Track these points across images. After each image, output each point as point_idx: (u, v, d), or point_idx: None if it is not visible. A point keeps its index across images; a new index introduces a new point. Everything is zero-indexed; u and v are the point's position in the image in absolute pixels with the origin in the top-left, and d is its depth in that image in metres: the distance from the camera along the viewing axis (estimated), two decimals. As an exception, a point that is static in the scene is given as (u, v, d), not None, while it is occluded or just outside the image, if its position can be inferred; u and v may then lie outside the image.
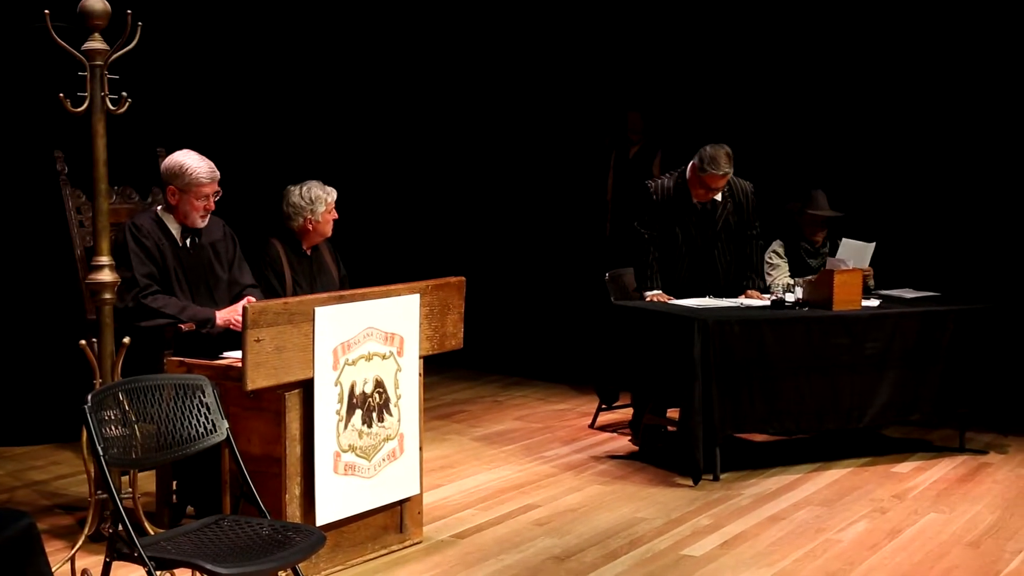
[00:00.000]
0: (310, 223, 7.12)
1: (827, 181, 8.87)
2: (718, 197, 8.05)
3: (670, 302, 7.81)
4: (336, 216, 7.24)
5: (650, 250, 8.04)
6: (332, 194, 7.19)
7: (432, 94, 11.61)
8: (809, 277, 7.92)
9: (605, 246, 10.59)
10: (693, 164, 7.93)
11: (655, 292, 8.00)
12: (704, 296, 8.03)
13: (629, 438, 8.41)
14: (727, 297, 8.05)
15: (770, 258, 8.48)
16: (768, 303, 7.79)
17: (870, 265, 8.38)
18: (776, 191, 9.37)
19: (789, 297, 7.75)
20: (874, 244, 8.35)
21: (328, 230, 7.25)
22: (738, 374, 7.26)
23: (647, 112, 10.69)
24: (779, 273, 8.41)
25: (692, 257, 8.09)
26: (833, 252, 8.47)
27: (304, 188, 7.12)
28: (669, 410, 8.14)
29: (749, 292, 8.12)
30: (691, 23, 10.71)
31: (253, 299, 6.30)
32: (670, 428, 8.13)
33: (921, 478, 7.45)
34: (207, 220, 6.45)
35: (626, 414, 8.64)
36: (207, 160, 6.37)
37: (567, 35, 11.31)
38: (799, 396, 7.43)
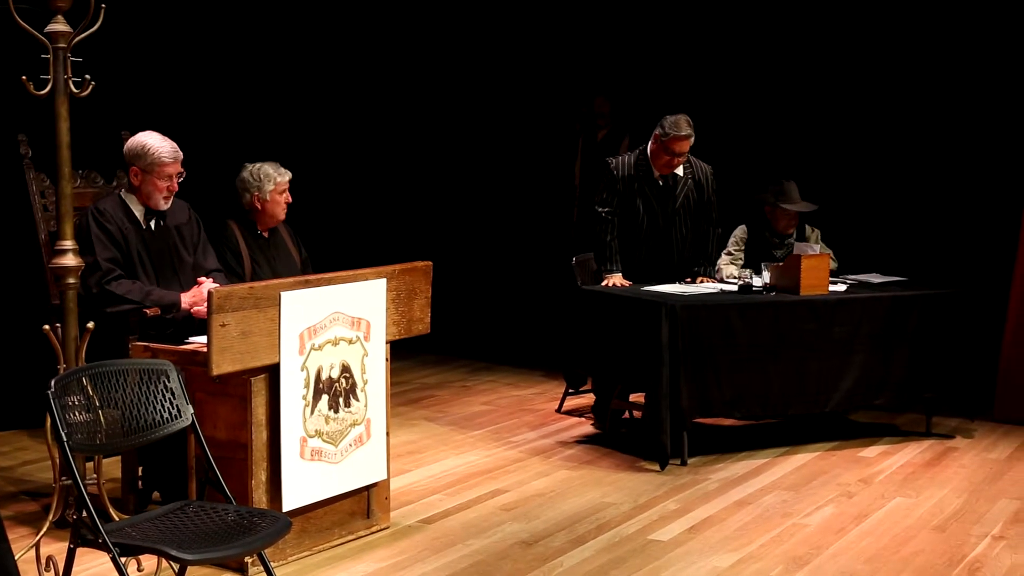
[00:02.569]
0: (258, 201, 7.12)
1: (795, 167, 8.89)
2: (679, 171, 8.11)
3: (640, 288, 7.80)
4: (289, 199, 7.25)
5: (609, 230, 8.07)
6: (285, 175, 7.17)
7: (399, 79, 11.58)
8: (776, 264, 7.94)
9: (573, 231, 10.59)
10: (655, 135, 8.00)
11: (615, 275, 8.02)
12: (662, 273, 8.10)
13: (593, 422, 8.43)
14: (683, 277, 8.14)
15: (730, 245, 8.52)
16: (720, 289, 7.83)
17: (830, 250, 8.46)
18: (743, 176, 9.39)
19: (756, 282, 7.76)
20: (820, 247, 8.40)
21: (279, 212, 7.23)
22: (705, 359, 7.26)
23: (613, 97, 10.68)
24: (730, 261, 8.46)
25: (652, 232, 8.11)
26: (800, 238, 8.48)
27: (256, 166, 7.15)
28: (632, 395, 8.17)
29: (701, 279, 8.16)
30: (658, 7, 10.70)
31: (215, 283, 6.26)
32: (636, 413, 8.15)
33: (888, 462, 7.47)
34: (170, 202, 6.41)
35: (593, 399, 8.62)
36: (170, 141, 6.34)
37: (534, 20, 11.29)
38: (766, 381, 7.44)
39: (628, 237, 8.10)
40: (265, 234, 7.25)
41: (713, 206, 8.24)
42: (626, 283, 7.96)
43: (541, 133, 11.34)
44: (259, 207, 7.16)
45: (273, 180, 7.12)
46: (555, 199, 11.01)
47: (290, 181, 7.26)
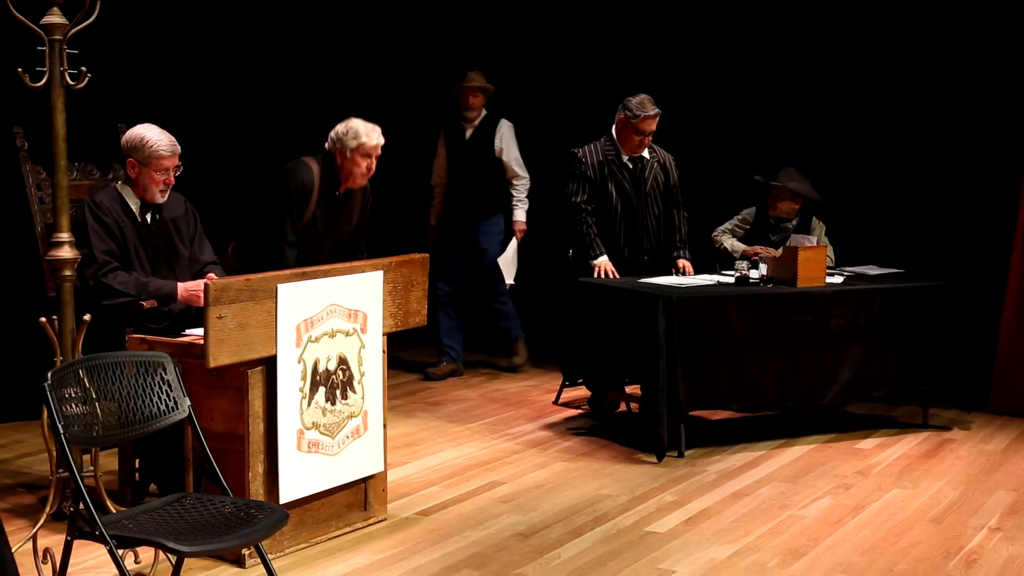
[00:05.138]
0: (339, 155, 7.06)
1: (792, 159, 8.88)
2: (645, 155, 8.24)
3: (637, 280, 7.81)
4: (372, 168, 7.15)
5: (586, 219, 8.15)
6: (374, 139, 7.07)
7: (405, 69, 11.55)
8: (763, 251, 8.02)
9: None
10: (619, 119, 8.13)
11: (602, 259, 8.08)
12: (640, 256, 8.25)
13: (587, 411, 8.45)
14: (661, 264, 8.30)
15: (734, 219, 8.83)
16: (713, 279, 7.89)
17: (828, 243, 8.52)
18: (741, 168, 9.39)
19: (753, 274, 7.77)
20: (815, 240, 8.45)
21: (357, 175, 7.14)
22: (702, 351, 7.26)
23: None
24: (730, 234, 8.78)
25: (627, 215, 8.20)
26: (803, 229, 8.52)
27: (352, 121, 7.09)
28: (629, 387, 8.19)
29: (680, 262, 8.30)
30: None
31: (215, 276, 6.25)
32: (633, 405, 8.15)
33: (885, 454, 7.47)
34: (167, 195, 6.40)
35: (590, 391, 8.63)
36: (168, 134, 6.33)
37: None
38: (763, 372, 7.44)
39: (604, 222, 8.16)
40: (341, 191, 7.21)
41: (678, 190, 8.41)
42: (613, 270, 8.03)
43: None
44: (339, 161, 7.10)
45: (357, 139, 7.03)
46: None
47: (380, 148, 7.16)
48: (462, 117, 9.57)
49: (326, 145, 7.13)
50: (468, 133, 9.53)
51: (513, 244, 9.57)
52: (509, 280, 9.35)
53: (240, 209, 8.32)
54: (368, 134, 7.06)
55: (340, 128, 7.10)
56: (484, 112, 9.56)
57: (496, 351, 10.22)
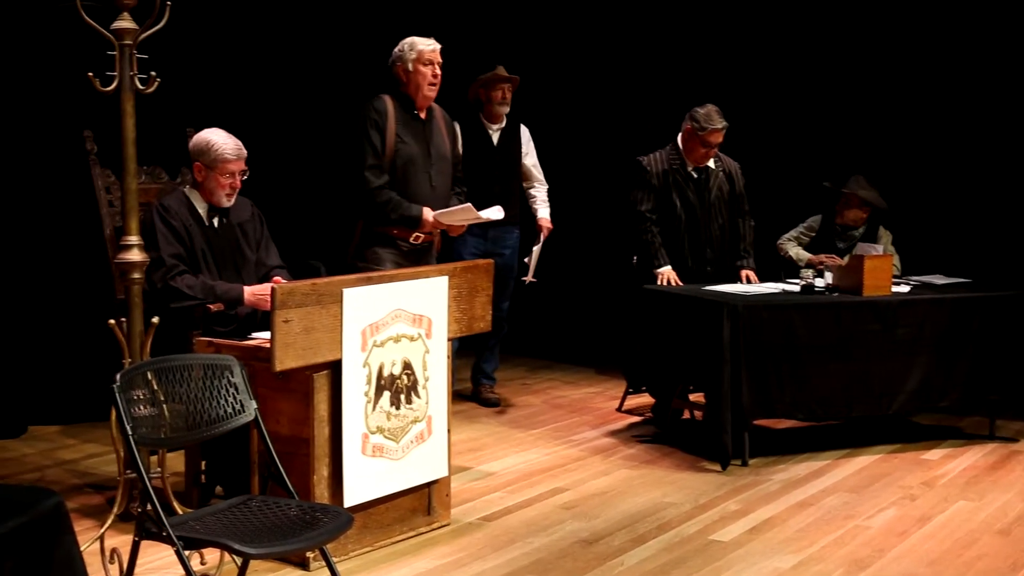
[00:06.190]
0: (403, 72, 7.09)
1: (859, 167, 8.84)
2: (711, 164, 8.22)
3: (701, 288, 7.79)
4: (437, 73, 7.16)
5: (651, 228, 8.15)
6: (431, 45, 7.10)
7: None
8: (828, 259, 7.99)
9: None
10: (686, 128, 8.13)
11: (665, 269, 8.09)
12: (703, 265, 8.23)
13: (650, 419, 8.42)
14: (725, 272, 8.28)
15: (800, 227, 8.83)
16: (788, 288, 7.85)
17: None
18: (806, 174, 9.35)
19: (819, 282, 7.73)
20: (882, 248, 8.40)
21: (426, 84, 7.15)
22: (767, 359, 7.23)
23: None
24: (795, 242, 8.78)
25: (691, 225, 8.20)
26: (870, 238, 8.49)
27: (411, 37, 7.13)
28: (693, 394, 8.17)
29: (743, 272, 8.27)
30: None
31: (281, 280, 6.28)
32: (696, 413, 8.13)
33: (951, 465, 7.41)
34: (233, 200, 6.44)
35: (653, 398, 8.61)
36: (234, 138, 6.38)
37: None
38: (828, 382, 7.40)
39: (668, 231, 8.16)
40: (422, 115, 7.22)
41: (744, 198, 8.38)
42: (677, 279, 8.00)
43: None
44: (405, 79, 7.12)
45: (416, 48, 7.06)
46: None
47: (440, 53, 7.18)
48: (487, 117, 8.79)
49: (394, 74, 7.24)
50: (496, 138, 8.83)
51: (538, 243, 9.01)
52: (531, 277, 9.00)
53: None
54: (424, 41, 7.16)
55: (395, 50, 7.19)
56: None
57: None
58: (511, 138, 8.90)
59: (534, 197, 9.07)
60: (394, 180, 7.14)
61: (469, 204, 7.16)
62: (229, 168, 6.33)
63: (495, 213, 7.21)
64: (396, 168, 7.16)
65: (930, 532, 6.15)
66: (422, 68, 7.13)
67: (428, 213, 7.09)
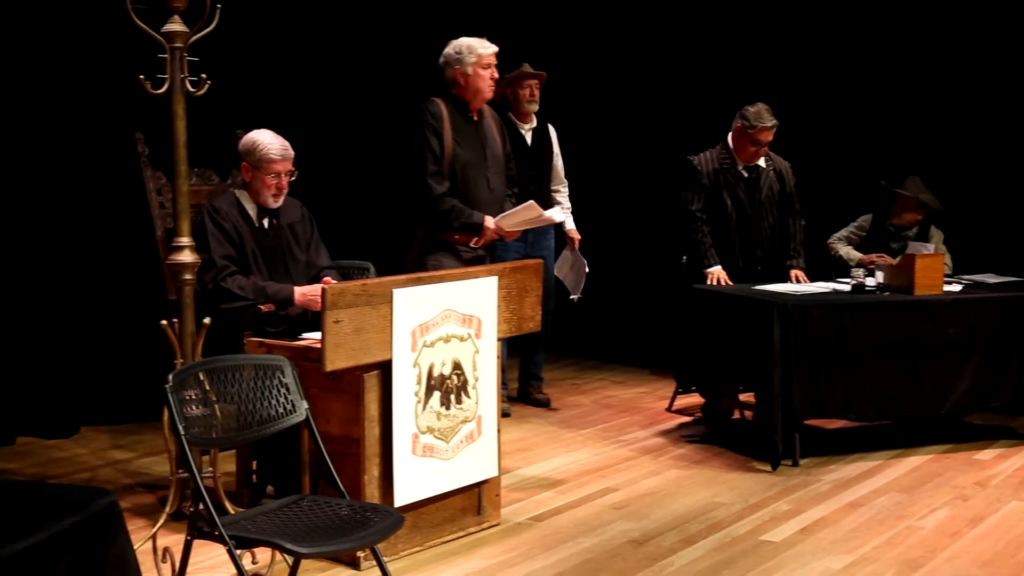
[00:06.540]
0: (461, 76, 7.05)
1: (912, 165, 8.80)
2: (761, 163, 8.21)
3: (751, 287, 7.78)
4: (496, 75, 7.16)
5: (701, 227, 8.13)
6: (489, 48, 7.08)
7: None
8: (879, 258, 7.96)
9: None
10: (736, 127, 8.12)
11: (715, 269, 8.07)
12: (754, 265, 8.21)
13: (700, 419, 8.41)
14: (775, 271, 8.24)
15: (851, 227, 8.79)
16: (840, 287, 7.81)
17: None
18: (858, 172, 9.30)
19: (870, 281, 7.70)
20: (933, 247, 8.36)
21: (486, 88, 7.13)
22: (817, 359, 7.20)
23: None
24: (846, 241, 8.75)
25: (741, 225, 8.19)
26: (922, 238, 8.44)
27: (461, 39, 7.09)
28: (743, 394, 8.15)
29: (793, 272, 8.24)
30: None
31: (332, 281, 6.30)
32: (747, 413, 8.11)
33: (1003, 466, 7.35)
34: (280, 200, 6.46)
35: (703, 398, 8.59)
36: (281, 139, 6.40)
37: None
38: (879, 381, 7.36)
39: (719, 231, 8.14)
40: (475, 116, 7.20)
41: (795, 198, 8.35)
42: (727, 278, 7.98)
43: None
44: (462, 83, 7.10)
45: (475, 52, 7.03)
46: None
47: (496, 56, 7.16)
48: (517, 117, 8.66)
49: (445, 78, 7.18)
50: (529, 138, 8.68)
51: (575, 255, 8.84)
52: (577, 294, 8.91)
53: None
54: (482, 44, 7.13)
55: (450, 52, 7.13)
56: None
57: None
58: (543, 137, 8.81)
59: (559, 202, 8.86)
60: (453, 185, 7.10)
61: (532, 202, 7.12)
62: (275, 168, 6.35)
63: (557, 215, 7.17)
64: (455, 173, 7.12)
65: (983, 533, 6.11)
66: (482, 72, 7.10)
67: (489, 220, 7.05)
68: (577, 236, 8.88)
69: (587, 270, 8.71)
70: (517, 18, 10.58)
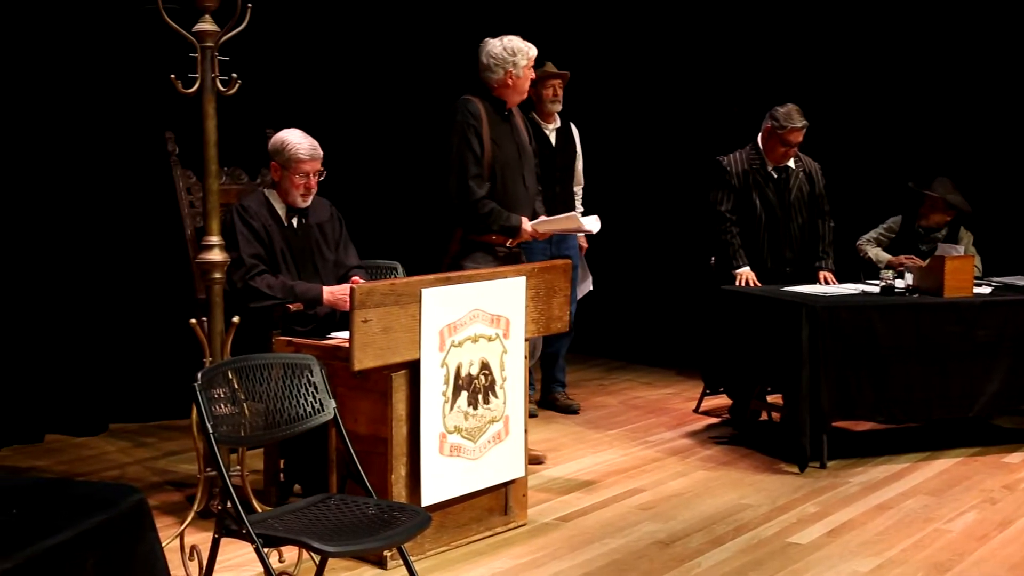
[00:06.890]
0: (511, 77, 6.97)
1: (940, 167, 8.76)
2: (791, 164, 8.20)
3: (780, 289, 7.77)
4: (534, 76, 7.16)
5: (730, 228, 8.14)
6: (532, 49, 7.03)
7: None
8: (908, 260, 7.95)
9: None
10: (766, 127, 8.12)
11: (744, 270, 8.07)
12: (783, 266, 8.19)
13: (728, 420, 8.39)
14: (804, 273, 8.22)
15: (880, 228, 8.79)
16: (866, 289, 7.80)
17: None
18: (888, 174, 9.27)
19: (899, 283, 7.68)
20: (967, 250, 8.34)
21: (526, 88, 7.11)
22: (846, 361, 7.19)
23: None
24: (875, 243, 8.75)
25: (770, 225, 8.17)
26: (951, 239, 8.42)
27: (505, 39, 6.99)
28: (770, 396, 8.13)
29: (822, 274, 8.22)
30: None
31: (360, 280, 6.31)
32: (774, 415, 8.09)
33: (1033, 469, 7.34)
34: (309, 200, 6.47)
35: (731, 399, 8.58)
36: (310, 138, 6.42)
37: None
38: (908, 384, 7.34)
39: (747, 231, 8.13)
40: (507, 112, 7.14)
41: (824, 199, 8.33)
42: (755, 279, 7.97)
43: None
44: (510, 84, 7.00)
45: (525, 54, 6.98)
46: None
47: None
48: (540, 117, 8.55)
49: (486, 78, 7.06)
50: (553, 139, 8.59)
51: (581, 262, 8.83)
52: (587, 289, 8.87)
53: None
54: (526, 44, 7.04)
55: (500, 54, 6.99)
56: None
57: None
58: (567, 137, 8.75)
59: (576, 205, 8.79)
60: (492, 185, 7.05)
61: (574, 213, 7.13)
62: (303, 168, 6.37)
63: (594, 224, 7.11)
64: (495, 173, 7.05)
65: (1011, 536, 6.08)
66: (529, 73, 7.08)
67: (526, 223, 7.01)
68: (585, 244, 8.85)
69: (591, 288, 8.84)
70: (540, 16, 10.55)
